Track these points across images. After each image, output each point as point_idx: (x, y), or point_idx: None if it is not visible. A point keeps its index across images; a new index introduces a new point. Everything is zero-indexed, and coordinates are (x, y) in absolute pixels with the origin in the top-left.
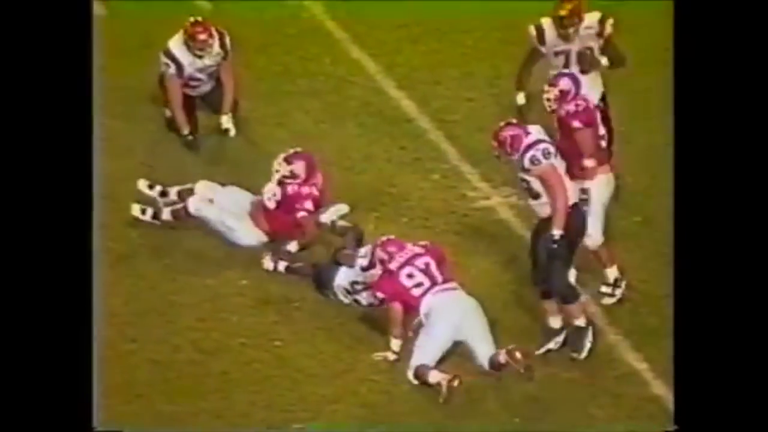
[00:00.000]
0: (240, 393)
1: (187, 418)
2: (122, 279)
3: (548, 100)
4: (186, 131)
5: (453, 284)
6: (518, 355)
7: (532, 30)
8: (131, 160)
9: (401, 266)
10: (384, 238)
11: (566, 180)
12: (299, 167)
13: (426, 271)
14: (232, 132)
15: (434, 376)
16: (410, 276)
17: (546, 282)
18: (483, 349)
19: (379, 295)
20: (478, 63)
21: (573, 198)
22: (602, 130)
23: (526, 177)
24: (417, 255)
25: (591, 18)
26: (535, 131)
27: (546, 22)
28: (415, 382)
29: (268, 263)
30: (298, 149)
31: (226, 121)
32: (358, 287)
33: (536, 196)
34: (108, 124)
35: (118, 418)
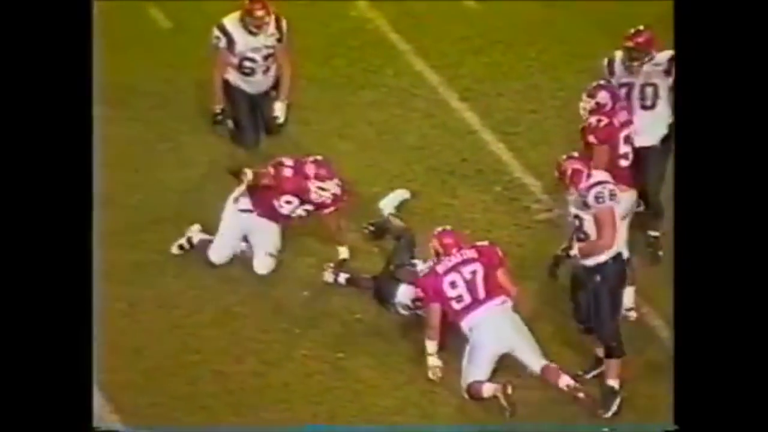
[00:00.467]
0: (302, 404)
1: (249, 428)
2: (185, 291)
3: (584, 109)
4: (218, 108)
5: (497, 300)
6: (582, 395)
7: (605, 61)
8: (196, 170)
9: (447, 271)
10: (440, 229)
11: (618, 231)
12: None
13: (470, 284)
14: (281, 120)
15: (488, 390)
16: (453, 285)
17: (594, 331)
18: (531, 358)
19: (419, 293)
20: (541, 75)
21: (621, 248)
22: (624, 149)
23: (582, 214)
24: (466, 261)
25: (662, 56)
26: (602, 174)
27: (618, 54)
28: (469, 398)
29: (329, 276)
30: (318, 158)
31: (279, 108)
32: (419, 303)
33: (585, 238)
34: (175, 136)
35: (182, 428)
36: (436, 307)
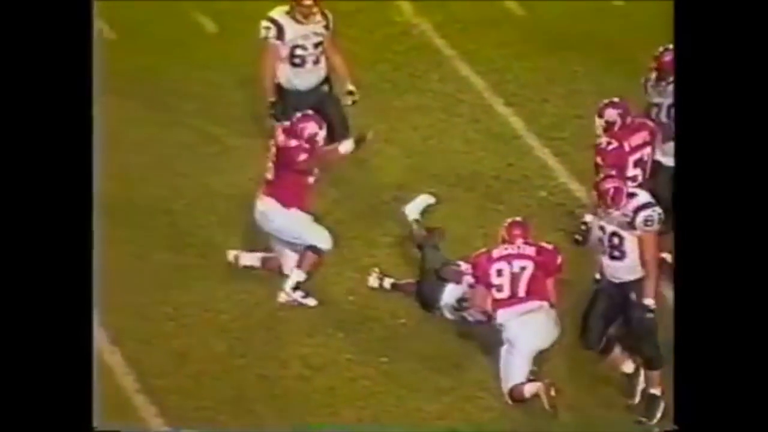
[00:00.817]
0: (346, 409)
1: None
2: (232, 295)
3: (598, 127)
4: (272, 98)
5: (536, 303)
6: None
7: (642, 80)
8: (242, 175)
9: (499, 258)
10: (510, 220)
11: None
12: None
13: (515, 277)
14: (356, 95)
15: (529, 389)
16: (499, 273)
17: (637, 350)
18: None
19: (468, 269)
20: (586, 80)
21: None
22: (633, 172)
23: (624, 233)
24: (521, 255)
25: None
26: (645, 194)
27: (652, 74)
28: (512, 402)
29: (373, 281)
30: (307, 112)
31: (349, 85)
32: (465, 304)
33: (621, 256)
34: (220, 140)
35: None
36: (483, 292)
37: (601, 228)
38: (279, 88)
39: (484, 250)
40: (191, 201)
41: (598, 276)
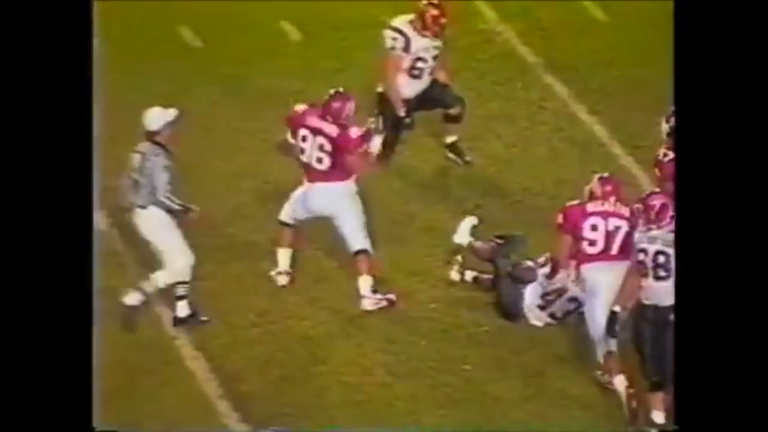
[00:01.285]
0: (429, 416)
1: None
2: (313, 302)
3: (662, 132)
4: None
5: (624, 263)
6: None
7: None
8: None
9: (594, 213)
10: (599, 175)
11: None
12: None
13: (610, 235)
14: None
15: (618, 381)
16: (594, 228)
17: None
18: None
19: (559, 218)
20: (670, 88)
21: None
22: None
23: (671, 250)
24: (617, 215)
25: None
26: None
27: None
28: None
29: (455, 274)
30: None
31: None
32: (551, 297)
33: (667, 276)
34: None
35: None
36: (568, 240)
37: (643, 250)
38: (382, 97)
39: (576, 202)
40: (275, 208)
41: (617, 308)
